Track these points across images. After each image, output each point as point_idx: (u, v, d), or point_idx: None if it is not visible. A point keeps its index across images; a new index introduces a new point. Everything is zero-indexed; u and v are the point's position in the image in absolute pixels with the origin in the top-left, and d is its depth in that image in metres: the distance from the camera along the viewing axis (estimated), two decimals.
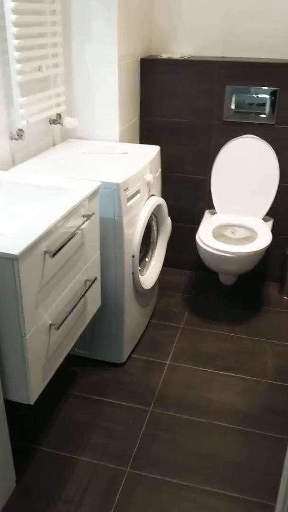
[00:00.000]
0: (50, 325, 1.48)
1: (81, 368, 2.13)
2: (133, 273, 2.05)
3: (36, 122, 2.10)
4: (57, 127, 2.36)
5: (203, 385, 2.07)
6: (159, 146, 2.34)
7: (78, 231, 1.58)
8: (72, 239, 1.54)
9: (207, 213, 2.73)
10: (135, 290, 2.12)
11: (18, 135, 1.97)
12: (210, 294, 2.74)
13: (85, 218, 1.64)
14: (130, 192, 1.89)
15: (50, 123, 2.28)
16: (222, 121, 2.57)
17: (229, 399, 2.00)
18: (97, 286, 1.86)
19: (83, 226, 1.61)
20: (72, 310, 1.60)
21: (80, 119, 2.36)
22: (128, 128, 2.50)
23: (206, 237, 2.37)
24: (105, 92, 2.29)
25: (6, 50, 1.83)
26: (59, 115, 2.27)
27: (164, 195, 2.61)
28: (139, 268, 2.12)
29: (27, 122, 1.95)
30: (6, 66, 1.86)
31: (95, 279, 1.79)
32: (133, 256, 2.01)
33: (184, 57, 2.55)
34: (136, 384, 2.06)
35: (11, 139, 1.97)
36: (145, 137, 2.69)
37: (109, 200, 1.83)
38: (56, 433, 1.81)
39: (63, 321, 1.52)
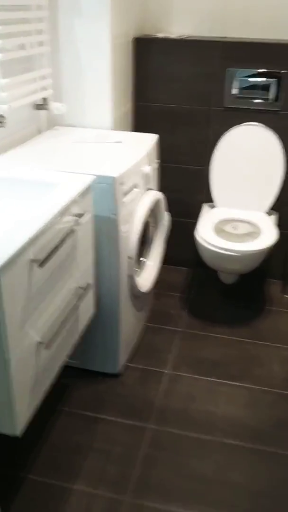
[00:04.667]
0: (39, 343, 1.29)
1: (72, 380, 1.93)
2: (129, 275, 1.85)
3: (20, 108, 1.88)
4: (42, 113, 2.13)
5: (207, 396, 1.90)
6: (155, 132, 2.14)
7: (70, 233, 1.38)
8: (63, 243, 1.34)
9: (205, 207, 2.54)
10: (131, 293, 1.93)
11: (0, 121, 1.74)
12: (209, 294, 2.56)
13: (77, 218, 1.43)
14: (126, 187, 1.69)
15: (35, 109, 2.05)
16: (223, 107, 2.37)
17: (235, 412, 1.83)
18: (90, 292, 1.66)
19: (76, 227, 1.41)
20: (63, 323, 1.40)
21: (68, 104, 2.14)
22: (122, 115, 2.28)
23: (207, 233, 2.18)
24: (97, 75, 2.07)
25: None
26: (45, 100, 2.05)
27: (158, 187, 2.41)
28: (135, 269, 1.93)
29: (10, 106, 1.73)
30: None
31: (88, 285, 1.59)
32: (129, 258, 1.81)
33: (182, 37, 2.33)
34: (134, 397, 1.88)
35: None
36: (138, 124, 2.48)
37: (103, 195, 1.62)
38: (46, 458, 1.62)
39: (52, 338, 1.32)
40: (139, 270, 2.06)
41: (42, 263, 1.19)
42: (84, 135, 2.02)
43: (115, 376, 1.97)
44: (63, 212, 1.34)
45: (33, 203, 1.43)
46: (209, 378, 1.99)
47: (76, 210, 1.43)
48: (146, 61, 2.35)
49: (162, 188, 2.53)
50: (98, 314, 1.84)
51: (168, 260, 2.71)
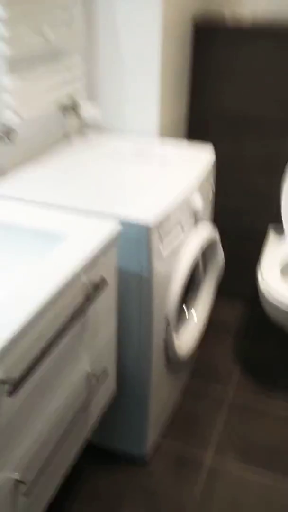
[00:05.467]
0: (17, 483, 0.88)
1: (86, 462, 1.53)
2: (165, 340, 1.41)
3: (40, 111, 1.45)
4: (72, 116, 1.69)
5: (260, 502, 1.44)
6: (214, 142, 1.66)
7: (77, 317, 0.95)
8: (64, 335, 0.91)
9: (273, 234, 2.03)
10: (167, 359, 1.49)
11: (6, 135, 1.33)
12: (270, 343, 2.06)
13: (90, 292, 1.00)
14: (167, 233, 1.24)
15: (62, 111, 1.62)
16: None
17: None
18: (109, 376, 1.23)
19: (87, 305, 0.98)
20: (60, 438, 0.99)
21: (105, 105, 1.69)
22: (172, 119, 1.81)
23: (274, 279, 1.68)
24: (142, 68, 1.61)
25: None
26: (75, 101, 1.61)
27: (215, 205, 1.93)
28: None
29: (20, 116, 1.31)
30: None
31: (106, 370, 1.16)
32: (166, 320, 1.37)
33: (257, 20, 1.81)
34: (161, 496, 1.45)
35: None
36: (194, 131, 1.99)
37: (133, 247, 1.18)
38: None
39: (40, 469, 0.92)
40: (178, 325, 1.61)
41: (17, 385, 0.77)
42: (121, 147, 1.58)
43: (141, 460, 1.55)
44: (66, 288, 0.91)
45: (25, 266, 1.02)
46: (263, 474, 1.53)
47: (89, 278, 1.00)
48: (208, 52, 1.85)
49: (220, 207, 2.06)
50: (122, 387, 1.42)
51: (221, 290, 2.23)
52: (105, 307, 1.10)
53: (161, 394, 1.53)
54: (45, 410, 0.93)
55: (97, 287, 1.00)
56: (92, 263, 1.00)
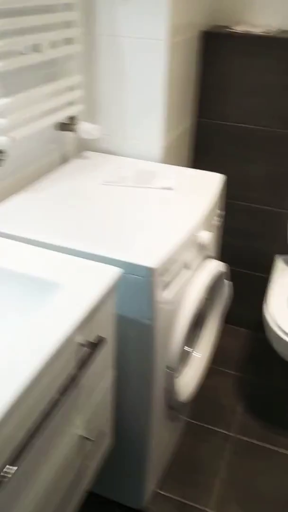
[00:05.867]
0: None
1: (81, 507, 1.41)
2: (166, 388, 1.29)
3: (33, 133, 1.32)
4: (69, 135, 1.57)
5: None
6: (220, 160, 1.55)
7: (69, 385, 0.82)
8: (56, 404, 0.79)
9: (280, 262, 1.91)
10: (167, 406, 1.36)
11: None
12: (277, 375, 1.94)
13: (85, 351, 0.88)
14: (170, 276, 1.11)
15: (59, 130, 1.49)
16: None
17: None
18: (105, 434, 1.11)
19: (82, 370, 0.85)
20: (55, 506, 0.87)
21: (105, 123, 1.57)
22: (177, 139, 1.68)
23: (283, 316, 1.56)
24: (146, 84, 1.48)
25: None
26: (72, 119, 1.48)
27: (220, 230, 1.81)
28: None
29: (12, 138, 1.18)
30: None
31: (101, 434, 1.04)
32: (168, 368, 1.24)
33: (270, 32, 1.69)
34: None
35: None
36: (200, 149, 1.86)
37: (134, 292, 1.06)
38: None
39: None
40: (180, 365, 1.49)
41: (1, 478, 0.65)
42: (121, 171, 1.45)
43: (138, 511, 1.43)
44: (58, 355, 0.78)
45: (12, 321, 0.89)
46: None
47: (85, 337, 0.87)
48: (216, 65, 1.72)
49: (225, 230, 1.93)
50: (118, 436, 1.30)
51: (225, 318, 2.12)
52: (101, 365, 0.98)
53: (160, 443, 1.40)
54: (37, 481, 0.81)
55: (94, 346, 0.88)
56: (89, 320, 0.87)
